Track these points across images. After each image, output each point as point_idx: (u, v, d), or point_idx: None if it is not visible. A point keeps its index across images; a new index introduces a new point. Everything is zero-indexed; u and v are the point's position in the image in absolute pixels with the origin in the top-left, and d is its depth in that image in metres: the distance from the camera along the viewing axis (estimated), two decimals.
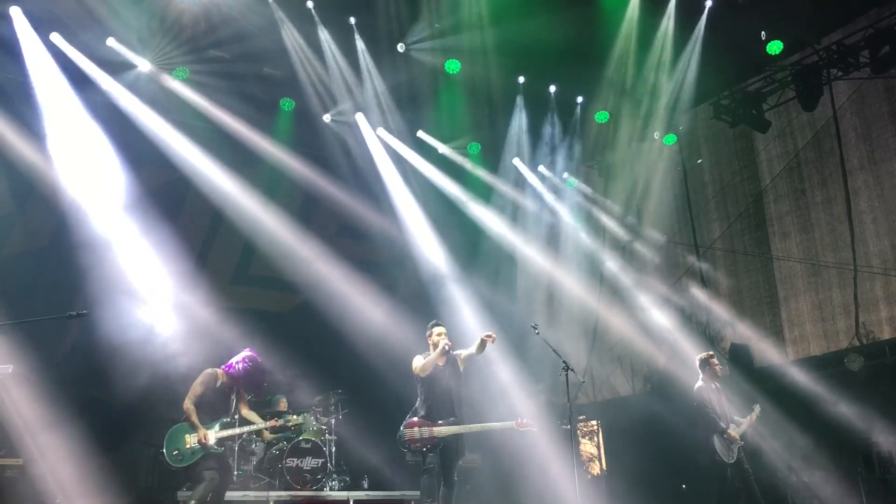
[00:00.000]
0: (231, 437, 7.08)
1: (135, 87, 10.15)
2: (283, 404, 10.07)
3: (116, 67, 10.08)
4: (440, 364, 7.34)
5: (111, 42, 9.87)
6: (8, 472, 7.57)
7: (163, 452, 6.77)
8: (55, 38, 9.63)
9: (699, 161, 12.61)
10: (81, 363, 8.85)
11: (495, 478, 10.67)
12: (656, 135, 12.28)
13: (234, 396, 7.02)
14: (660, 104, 11.78)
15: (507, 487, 10.27)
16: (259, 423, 7.11)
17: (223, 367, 7.02)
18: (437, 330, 7.44)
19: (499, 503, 9.86)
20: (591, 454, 12.24)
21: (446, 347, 7.25)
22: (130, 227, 9.46)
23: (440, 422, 7.17)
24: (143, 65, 10.17)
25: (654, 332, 11.76)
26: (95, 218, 9.34)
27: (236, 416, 7.11)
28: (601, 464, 12.09)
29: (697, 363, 8.54)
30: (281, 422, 7.31)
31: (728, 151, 12.29)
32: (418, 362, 7.35)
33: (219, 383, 6.93)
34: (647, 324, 11.85)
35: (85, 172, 9.50)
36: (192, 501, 6.55)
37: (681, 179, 12.62)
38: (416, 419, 7.27)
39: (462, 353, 7.46)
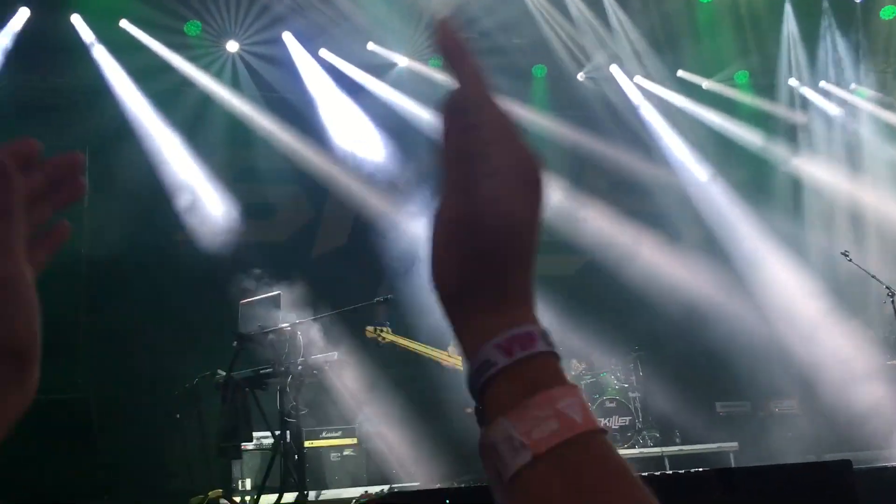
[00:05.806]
0: None
1: (399, 84, 10.73)
2: (575, 366, 10.08)
3: (380, 70, 10.74)
4: None
5: (371, 46, 10.52)
6: (346, 451, 8.39)
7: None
8: (324, 52, 10.46)
9: None
10: (390, 346, 9.48)
11: (816, 423, 9.88)
12: None
13: None
14: None
15: (829, 433, 9.47)
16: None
17: None
18: None
19: (826, 451, 9.11)
20: None
21: None
22: (413, 214, 10.00)
23: None
24: (402, 60, 10.70)
25: None
26: (383, 210, 10.02)
27: None
28: None
29: None
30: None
31: None
32: None
33: None
34: None
35: (372, 171, 10.26)
36: None
37: None
38: None
39: None
